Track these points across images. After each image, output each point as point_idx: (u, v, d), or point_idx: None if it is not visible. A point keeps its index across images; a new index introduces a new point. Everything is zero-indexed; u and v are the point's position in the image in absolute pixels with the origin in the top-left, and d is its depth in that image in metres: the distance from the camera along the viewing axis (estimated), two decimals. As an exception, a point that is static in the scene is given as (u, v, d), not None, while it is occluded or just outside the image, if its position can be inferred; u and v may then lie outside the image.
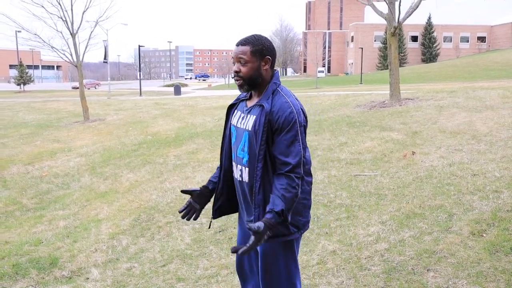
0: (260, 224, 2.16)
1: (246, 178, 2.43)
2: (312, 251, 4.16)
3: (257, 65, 2.37)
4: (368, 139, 8.28)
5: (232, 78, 2.48)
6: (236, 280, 3.85)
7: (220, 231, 5.05)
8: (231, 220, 5.31)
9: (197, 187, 2.69)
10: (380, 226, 4.49)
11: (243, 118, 2.46)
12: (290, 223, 2.36)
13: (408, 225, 4.44)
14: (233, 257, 4.32)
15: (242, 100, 2.56)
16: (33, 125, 17.75)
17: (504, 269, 3.42)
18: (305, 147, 2.36)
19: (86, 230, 5.92)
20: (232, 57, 2.43)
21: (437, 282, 3.38)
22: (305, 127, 2.36)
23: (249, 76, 2.37)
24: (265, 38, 2.44)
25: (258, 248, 2.46)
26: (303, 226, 2.47)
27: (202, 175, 7.42)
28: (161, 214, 5.90)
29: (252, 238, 2.16)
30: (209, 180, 2.73)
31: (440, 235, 4.11)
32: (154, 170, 8.40)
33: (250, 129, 2.37)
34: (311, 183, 2.48)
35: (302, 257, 4.06)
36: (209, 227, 2.93)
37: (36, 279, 4.56)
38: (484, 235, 4.00)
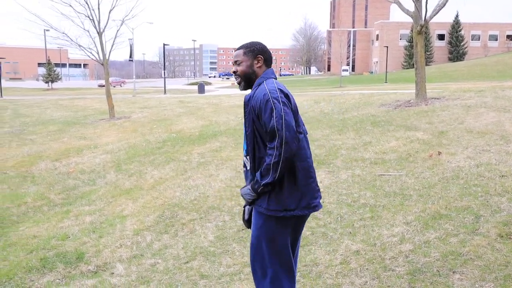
0: (244, 192, 2.74)
1: (248, 166, 2.78)
2: (335, 251, 4.14)
3: (250, 63, 2.80)
4: (393, 138, 8.18)
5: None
6: (258, 278, 3.86)
7: (243, 229, 5.06)
8: (254, 218, 5.32)
9: (246, 209, 3.01)
10: (404, 227, 4.44)
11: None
12: (271, 199, 2.66)
13: (434, 226, 4.37)
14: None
15: None
16: (60, 122, 18.11)
17: (533, 273, 3.33)
18: (281, 116, 2.55)
19: (111, 226, 6.02)
20: (232, 63, 2.88)
21: (463, 285, 3.32)
22: (280, 99, 2.59)
23: (244, 73, 2.80)
24: (258, 42, 2.88)
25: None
26: (290, 207, 2.68)
27: (225, 173, 7.46)
28: (185, 211, 5.95)
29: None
30: None
31: (466, 237, 4.04)
32: (178, 168, 8.48)
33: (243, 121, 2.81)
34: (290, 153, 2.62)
35: (325, 256, 4.05)
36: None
37: (62, 273, 4.66)
38: (513, 237, 3.91)
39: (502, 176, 5.49)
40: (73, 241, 5.58)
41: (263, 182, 2.60)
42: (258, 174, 2.64)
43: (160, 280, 4.17)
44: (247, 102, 2.71)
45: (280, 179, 2.61)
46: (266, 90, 2.62)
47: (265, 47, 2.87)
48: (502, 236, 3.95)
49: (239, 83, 2.86)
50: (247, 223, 2.96)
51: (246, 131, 2.74)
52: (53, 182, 9.20)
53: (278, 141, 2.52)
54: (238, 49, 2.85)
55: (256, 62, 2.80)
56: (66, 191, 8.50)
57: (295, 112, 2.68)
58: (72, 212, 7.10)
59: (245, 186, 2.76)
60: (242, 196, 2.77)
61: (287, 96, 2.64)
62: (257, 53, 2.81)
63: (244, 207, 2.97)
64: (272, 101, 2.57)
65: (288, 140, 2.52)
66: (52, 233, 6.06)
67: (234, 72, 2.84)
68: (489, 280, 3.34)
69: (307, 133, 2.87)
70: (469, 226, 4.25)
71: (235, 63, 2.83)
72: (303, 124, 2.85)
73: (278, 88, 2.64)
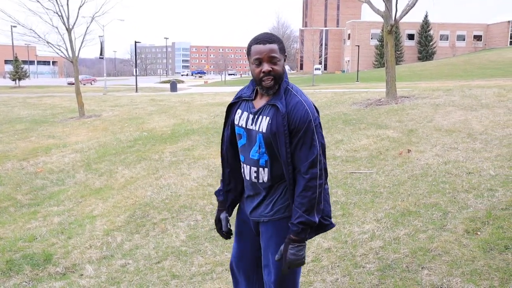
0: (279, 253, 2.32)
1: (265, 178, 2.38)
2: (307, 249, 4.16)
3: (283, 63, 2.33)
4: (364, 136, 8.28)
5: (259, 80, 2.30)
6: (230, 277, 3.85)
7: (215, 228, 5.04)
8: (226, 217, 5.30)
9: (223, 214, 2.68)
10: (375, 224, 4.49)
11: (252, 119, 2.37)
12: (324, 216, 2.43)
13: (403, 223, 4.44)
14: (228, 254, 4.32)
15: (245, 100, 2.47)
16: (28, 121, 17.67)
17: (498, 267, 3.42)
18: (322, 144, 2.35)
19: (80, 227, 5.90)
20: (258, 58, 2.27)
21: (432, 280, 3.39)
22: (319, 123, 2.35)
23: (279, 75, 2.30)
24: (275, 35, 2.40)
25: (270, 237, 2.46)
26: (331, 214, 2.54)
27: (197, 172, 7.41)
28: (156, 211, 5.89)
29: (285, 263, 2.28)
30: (220, 200, 2.69)
31: (434, 233, 4.12)
32: (150, 167, 8.38)
33: (264, 131, 2.31)
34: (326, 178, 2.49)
35: (297, 255, 4.05)
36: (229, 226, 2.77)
37: (30, 275, 4.55)
38: (479, 233, 4.01)
39: (469, 173, 5.62)
40: (40, 243, 5.44)
41: (313, 220, 2.26)
42: (300, 215, 2.24)
43: (131, 281, 4.11)
44: (285, 114, 2.25)
45: None
46: (305, 107, 2.26)
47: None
48: (468, 232, 4.05)
49: (270, 87, 2.29)
50: (227, 234, 2.66)
51: (278, 145, 2.29)
52: (20, 182, 8.97)
53: (319, 169, 2.27)
54: (271, 42, 2.27)
55: (284, 60, 2.35)
56: (33, 191, 8.29)
57: None
58: (40, 212, 6.94)
59: (285, 250, 2.27)
60: (293, 263, 2.27)
61: (318, 112, 2.38)
62: (284, 50, 2.34)
63: (219, 215, 2.67)
64: (314, 124, 2.27)
65: (326, 167, 2.35)
66: (19, 234, 5.90)
67: (268, 72, 2.26)
68: (456, 275, 3.41)
69: None
70: (437, 223, 4.33)
71: (270, 60, 2.26)
72: None
73: (314, 106, 2.34)
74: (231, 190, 2.62)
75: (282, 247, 2.31)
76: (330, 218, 2.49)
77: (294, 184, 2.32)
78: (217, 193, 2.72)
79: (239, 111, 2.46)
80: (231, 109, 2.53)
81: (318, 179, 2.26)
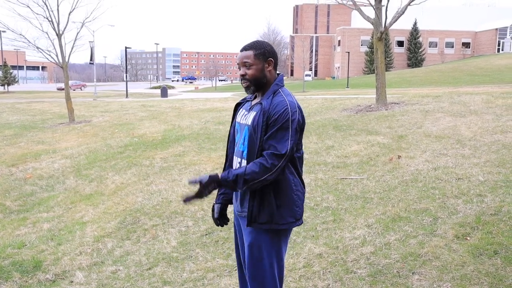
0: (204, 177, 2.42)
1: None
2: (298, 254, 4.17)
3: (261, 67, 2.57)
4: (354, 142, 8.33)
5: (240, 81, 2.64)
6: (222, 283, 3.84)
7: (206, 234, 5.03)
8: (218, 223, 5.30)
9: (216, 204, 2.89)
10: (366, 229, 4.52)
11: (245, 115, 2.66)
12: (286, 214, 2.53)
13: (394, 228, 4.47)
14: (220, 260, 4.31)
15: (248, 101, 2.76)
16: (17, 126, 17.53)
17: (487, 272, 3.46)
18: (297, 144, 2.49)
19: (70, 233, 5.86)
20: (237, 63, 2.62)
21: (422, 285, 3.41)
22: (300, 125, 2.49)
23: (254, 77, 2.57)
24: (267, 42, 2.65)
25: (247, 235, 2.61)
26: (299, 217, 2.60)
27: (188, 177, 7.39)
28: (147, 217, 5.86)
29: (197, 188, 2.43)
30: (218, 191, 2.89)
31: (425, 239, 4.15)
32: (140, 173, 8.35)
33: (249, 124, 2.56)
34: (296, 176, 2.59)
35: (288, 260, 4.06)
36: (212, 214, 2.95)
37: (19, 283, 4.50)
38: (468, 238, 4.04)
39: (459, 179, 5.67)
40: (30, 249, 5.39)
41: (243, 185, 2.41)
42: (242, 169, 2.42)
43: (122, 287, 4.08)
44: (266, 110, 2.47)
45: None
46: (287, 106, 2.45)
47: (273, 48, 2.65)
48: (458, 237, 4.08)
49: (247, 87, 2.59)
50: (218, 220, 2.86)
51: (254, 137, 2.50)
52: (9, 188, 8.89)
53: (280, 165, 2.41)
54: (246, 49, 2.58)
55: (267, 65, 2.58)
56: (22, 198, 8.22)
57: (303, 129, 2.57)
58: (29, 219, 6.87)
59: (210, 177, 2.43)
60: (207, 185, 2.44)
61: (303, 115, 2.53)
62: (268, 55, 2.59)
63: (213, 205, 2.87)
64: (291, 123, 2.43)
65: (283, 168, 2.45)
66: (8, 241, 5.84)
67: (242, 75, 2.58)
68: (447, 280, 3.43)
69: None
70: (427, 228, 4.37)
71: (244, 65, 2.57)
72: None
73: (299, 108, 2.50)
74: None
75: (200, 177, 2.45)
76: (293, 218, 2.57)
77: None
78: None
79: (241, 110, 2.76)
80: (237, 109, 2.81)
81: (274, 171, 2.41)
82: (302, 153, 2.63)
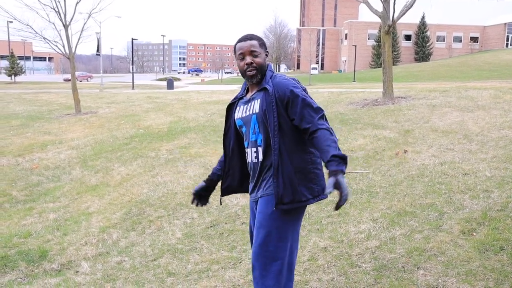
0: (331, 181, 2.31)
1: (261, 157, 2.64)
2: (303, 248, 4.17)
3: (264, 56, 2.70)
4: (360, 136, 8.30)
5: (244, 72, 2.67)
6: (227, 275, 3.85)
7: (211, 226, 5.04)
8: (222, 215, 5.31)
9: (202, 182, 3.02)
10: (371, 224, 4.51)
11: (246, 107, 2.70)
12: (305, 190, 2.58)
13: (399, 223, 4.46)
14: (224, 252, 4.32)
15: (240, 98, 2.81)
16: (24, 117, 17.61)
17: (493, 268, 3.44)
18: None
19: (76, 223, 5.89)
20: (241, 52, 2.66)
21: (427, 280, 3.40)
22: (305, 89, 2.65)
23: (261, 65, 2.66)
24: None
25: (266, 219, 2.60)
26: (317, 193, 2.63)
27: (194, 169, 7.40)
28: (152, 208, 5.88)
29: (340, 191, 2.33)
30: (213, 173, 3.00)
31: (430, 234, 4.13)
32: (146, 164, 8.37)
33: (257, 111, 2.61)
34: (314, 154, 2.68)
35: (293, 253, 4.06)
36: (220, 204, 3.40)
37: (25, 272, 4.54)
38: (474, 234, 4.02)
39: (465, 174, 5.64)
40: (36, 239, 5.43)
41: (344, 155, 2.40)
42: (331, 141, 2.45)
43: (126, 278, 4.10)
44: (272, 91, 2.57)
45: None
46: (288, 82, 2.61)
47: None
48: (464, 233, 4.06)
49: (253, 76, 2.64)
50: (194, 195, 3.00)
51: (267, 120, 2.55)
52: (15, 178, 8.94)
53: (327, 122, 2.58)
54: (252, 39, 2.69)
55: (266, 55, 2.74)
56: (29, 188, 8.27)
57: None
58: (36, 209, 6.92)
59: (335, 175, 2.32)
60: (347, 192, 2.36)
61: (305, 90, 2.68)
62: (265, 47, 2.76)
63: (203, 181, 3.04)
64: (301, 90, 2.60)
65: (304, 145, 2.62)
66: (14, 230, 5.89)
67: (249, 64, 2.63)
68: (452, 275, 3.42)
69: None
70: (433, 223, 4.35)
71: (251, 53, 2.64)
72: None
73: (296, 80, 2.68)
74: (229, 176, 2.85)
75: (330, 181, 2.32)
76: (311, 195, 2.62)
77: (279, 155, 2.53)
78: (213, 168, 3.03)
79: (237, 108, 2.79)
80: (230, 109, 2.84)
81: (331, 130, 2.51)
82: None
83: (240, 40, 2.70)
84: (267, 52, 2.75)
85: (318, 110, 2.54)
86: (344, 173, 2.35)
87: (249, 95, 2.74)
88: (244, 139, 2.74)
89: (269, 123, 2.55)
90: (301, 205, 2.59)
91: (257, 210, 2.68)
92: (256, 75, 2.65)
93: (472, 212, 4.49)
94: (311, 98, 2.58)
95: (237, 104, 2.81)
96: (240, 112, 2.74)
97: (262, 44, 2.71)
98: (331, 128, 2.53)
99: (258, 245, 2.57)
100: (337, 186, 2.30)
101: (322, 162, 2.60)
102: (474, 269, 3.46)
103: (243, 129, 2.72)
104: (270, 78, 2.66)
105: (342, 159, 2.36)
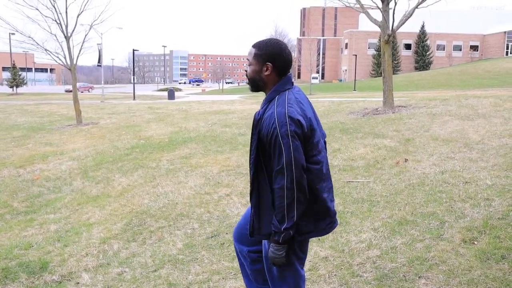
0: (270, 249, 2.45)
1: (252, 173, 2.57)
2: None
3: (258, 68, 2.46)
4: (361, 145, 8.30)
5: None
6: (227, 285, 3.84)
7: (212, 237, 5.03)
8: (223, 225, 5.30)
9: None
10: (372, 233, 4.50)
11: None
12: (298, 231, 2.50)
13: (400, 232, 4.45)
14: (225, 263, 4.31)
15: None
16: (25, 128, 17.65)
17: (495, 277, 3.43)
18: (293, 157, 2.30)
19: (77, 234, 5.88)
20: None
21: (429, 289, 3.38)
22: (296, 133, 2.31)
23: (251, 77, 2.51)
24: (275, 44, 2.45)
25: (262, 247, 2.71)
26: (306, 232, 2.51)
27: (194, 180, 7.41)
28: (153, 219, 5.87)
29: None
30: None
31: (431, 243, 4.12)
32: (147, 175, 8.37)
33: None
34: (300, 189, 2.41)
35: (294, 263, 4.05)
36: None
37: (25, 283, 4.52)
38: (476, 242, 4.01)
39: (466, 182, 5.63)
40: (37, 250, 5.42)
41: (283, 227, 2.32)
42: (274, 221, 2.36)
43: (127, 289, 4.09)
44: (256, 124, 2.40)
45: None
46: (274, 119, 2.30)
47: (280, 51, 2.44)
48: (465, 241, 4.05)
49: (248, 85, 2.57)
50: None
51: (251, 153, 2.48)
52: (16, 189, 8.94)
53: (288, 181, 2.28)
54: (253, 46, 2.50)
55: (265, 69, 2.44)
56: (30, 199, 8.27)
57: (310, 132, 2.40)
58: (36, 220, 6.91)
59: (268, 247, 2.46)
60: (273, 260, 2.43)
61: (298, 122, 2.31)
62: (267, 59, 2.42)
63: None
64: (280, 137, 2.27)
65: (299, 179, 2.30)
66: (15, 242, 5.87)
67: (245, 71, 2.55)
68: (453, 284, 3.41)
69: (325, 142, 2.74)
70: (434, 232, 4.34)
71: (247, 61, 2.52)
72: (322, 132, 2.70)
73: (289, 116, 2.30)
74: None
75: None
76: (305, 233, 2.51)
77: (258, 189, 2.49)
78: None
79: None
80: None
81: (285, 190, 2.29)
82: (316, 168, 2.44)
83: None
84: (270, 64, 2.42)
85: (277, 166, 2.31)
86: (276, 243, 2.40)
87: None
88: None
89: (250, 152, 2.49)
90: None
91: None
92: (249, 85, 2.56)
93: (473, 220, 4.48)
94: (286, 150, 2.28)
95: None
96: None
97: (260, 55, 2.43)
98: (284, 187, 2.30)
99: (266, 270, 2.70)
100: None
101: (315, 199, 2.49)
102: (476, 278, 3.44)
103: None
104: (269, 101, 2.42)
105: (277, 232, 2.38)
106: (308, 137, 2.38)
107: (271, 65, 2.43)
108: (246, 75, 2.53)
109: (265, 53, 2.43)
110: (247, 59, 2.51)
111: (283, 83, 2.45)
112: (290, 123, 2.30)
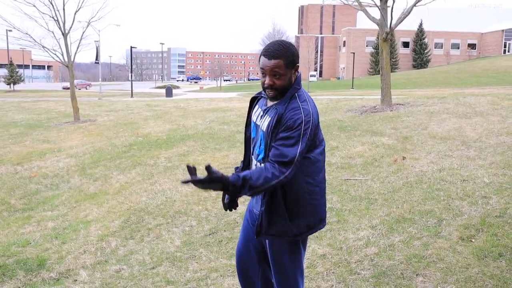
0: (217, 174, 2.17)
1: None
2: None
3: (290, 75, 2.41)
4: (359, 143, 8.31)
5: (264, 90, 2.46)
6: (225, 283, 3.84)
7: (210, 234, 5.04)
8: (221, 223, 5.30)
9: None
10: (370, 231, 4.50)
11: (261, 116, 2.54)
12: (299, 225, 2.48)
13: (398, 229, 4.45)
14: (223, 260, 4.31)
15: (263, 97, 2.63)
16: (22, 125, 17.61)
17: (492, 275, 3.44)
18: (304, 147, 2.34)
19: (75, 232, 5.87)
20: (262, 68, 2.40)
21: (426, 287, 3.40)
22: (312, 128, 2.36)
23: (283, 87, 2.40)
24: (292, 45, 2.46)
25: (268, 247, 2.62)
26: (313, 225, 2.53)
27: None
28: (151, 216, 5.87)
29: (206, 177, 2.15)
30: (235, 173, 2.74)
31: (429, 240, 4.13)
32: (145, 172, 8.37)
33: (264, 129, 2.45)
34: (313, 184, 2.48)
35: (292, 261, 4.05)
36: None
37: (23, 281, 4.52)
38: (473, 240, 4.02)
39: (464, 180, 5.65)
40: (34, 248, 5.41)
41: (256, 185, 2.25)
42: (249, 174, 2.27)
43: (125, 286, 4.09)
44: (280, 118, 2.36)
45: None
46: (301, 114, 2.33)
47: (296, 50, 2.46)
48: (463, 239, 4.06)
49: (272, 97, 2.43)
50: (228, 205, 2.71)
51: (266, 142, 2.42)
52: (14, 186, 8.92)
53: (291, 173, 2.30)
54: (276, 57, 2.36)
55: (294, 71, 2.44)
56: (27, 196, 8.25)
57: (316, 131, 2.46)
58: (34, 217, 6.90)
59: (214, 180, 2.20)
60: (202, 186, 2.21)
61: (316, 122, 2.40)
62: (296, 62, 2.43)
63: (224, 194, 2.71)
64: (303, 132, 2.31)
65: (294, 174, 2.33)
66: (12, 239, 5.87)
67: (270, 85, 2.39)
68: (451, 282, 3.42)
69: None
70: (432, 230, 4.35)
71: (273, 74, 2.37)
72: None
73: (312, 116, 2.37)
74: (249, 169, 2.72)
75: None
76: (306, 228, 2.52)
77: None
78: (235, 168, 2.85)
79: (256, 106, 2.65)
80: (253, 102, 2.71)
81: (282, 178, 2.28)
82: (320, 159, 2.53)
83: (265, 54, 2.39)
84: (297, 65, 2.45)
85: (288, 156, 2.30)
86: (233, 188, 2.23)
87: (269, 103, 2.53)
88: (252, 143, 2.64)
89: (261, 137, 2.47)
90: (292, 239, 2.52)
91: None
92: (275, 97, 2.44)
93: (470, 218, 4.49)
94: (303, 144, 2.33)
95: (258, 101, 2.66)
96: (256, 115, 2.59)
97: (291, 62, 2.40)
98: (278, 176, 2.28)
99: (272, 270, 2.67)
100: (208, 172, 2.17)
101: (321, 192, 2.54)
102: (473, 276, 3.45)
103: (253, 134, 2.63)
104: (290, 98, 2.42)
105: (236, 186, 2.23)
106: (315, 132, 2.46)
107: (298, 65, 2.47)
108: (273, 88, 2.39)
109: (294, 58, 2.42)
110: (275, 72, 2.36)
111: (299, 80, 2.50)
112: (314, 119, 2.38)
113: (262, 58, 2.40)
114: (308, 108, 2.38)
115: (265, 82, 2.39)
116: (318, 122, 2.48)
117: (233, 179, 2.23)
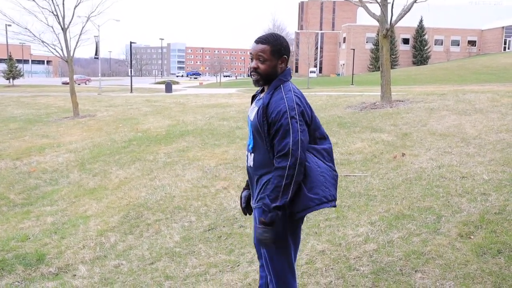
0: (257, 231, 2.48)
1: (251, 163, 2.65)
2: (301, 251, 4.16)
3: (275, 63, 2.57)
4: (358, 140, 8.30)
5: (249, 74, 2.63)
6: (224, 278, 3.84)
7: (209, 230, 5.04)
8: (220, 219, 5.31)
9: (243, 196, 2.95)
10: (369, 227, 4.51)
11: (252, 108, 2.69)
12: (301, 203, 2.55)
13: (397, 226, 4.46)
14: (222, 256, 4.32)
15: (261, 92, 2.76)
16: (22, 120, 17.59)
17: (491, 271, 3.44)
18: (299, 139, 2.44)
19: (74, 227, 5.88)
20: (250, 53, 2.59)
21: (425, 283, 3.40)
22: (303, 117, 2.50)
23: (266, 73, 2.56)
24: (283, 37, 2.62)
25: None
26: (314, 204, 2.57)
27: (192, 173, 7.40)
28: (150, 212, 5.87)
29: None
30: (247, 180, 2.92)
31: (428, 237, 4.13)
32: (144, 167, 8.36)
33: (252, 119, 2.61)
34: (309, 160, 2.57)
35: (291, 257, 4.06)
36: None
37: (22, 275, 4.52)
38: (472, 237, 4.03)
39: (463, 177, 5.65)
40: (33, 242, 5.42)
41: (274, 205, 2.40)
42: (266, 199, 2.43)
43: (124, 281, 4.10)
44: (266, 109, 2.49)
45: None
46: (284, 103, 2.44)
47: (288, 43, 2.64)
48: (462, 236, 4.07)
49: (256, 81, 2.59)
50: (246, 209, 2.90)
51: (261, 133, 2.54)
52: (13, 181, 8.92)
53: (292, 162, 2.39)
54: (263, 42, 2.55)
55: (280, 62, 2.59)
56: (27, 191, 8.25)
57: (311, 121, 2.58)
58: (33, 212, 6.90)
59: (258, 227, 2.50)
60: (261, 239, 2.47)
61: (304, 111, 2.51)
62: (283, 53, 2.59)
63: (242, 193, 2.93)
64: (290, 119, 2.42)
65: (302, 161, 2.42)
66: (12, 234, 5.87)
67: (254, 68, 2.56)
68: (450, 278, 3.42)
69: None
70: (431, 226, 4.35)
71: (258, 58, 2.55)
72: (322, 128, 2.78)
73: (296, 103, 2.48)
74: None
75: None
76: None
77: (257, 167, 2.61)
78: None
79: (254, 103, 2.76)
80: (253, 100, 2.82)
81: (287, 170, 2.39)
82: (327, 147, 2.70)
83: (255, 41, 2.59)
84: (285, 57, 2.59)
85: (284, 150, 2.42)
86: (265, 224, 2.44)
87: (262, 94, 2.66)
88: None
89: (260, 136, 2.55)
90: (297, 216, 2.58)
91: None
92: (258, 81, 2.59)
93: (469, 215, 4.49)
94: (294, 133, 2.42)
95: (256, 98, 2.76)
96: (250, 109, 2.71)
97: (277, 50, 2.55)
98: (287, 167, 2.40)
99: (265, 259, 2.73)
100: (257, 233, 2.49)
101: (332, 168, 2.72)
102: (472, 272, 3.46)
103: (248, 128, 2.73)
104: (275, 89, 2.54)
105: (266, 209, 2.44)
106: (309, 120, 2.57)
107: (286, 57, 2.61)
108: (257, 72, 2.56)
109: (280, 48, 2.57)
110: (259, 55, 2.54)
111: (287, 73, 2.62)
112: (300, 107, 2.49)
113: (253, 44, 2.60)
114: (291, 96, 2.49)
115: (251, 65, 2.58)
116: (309, 106, 2.59)
117: (263, 215, 2.46)
